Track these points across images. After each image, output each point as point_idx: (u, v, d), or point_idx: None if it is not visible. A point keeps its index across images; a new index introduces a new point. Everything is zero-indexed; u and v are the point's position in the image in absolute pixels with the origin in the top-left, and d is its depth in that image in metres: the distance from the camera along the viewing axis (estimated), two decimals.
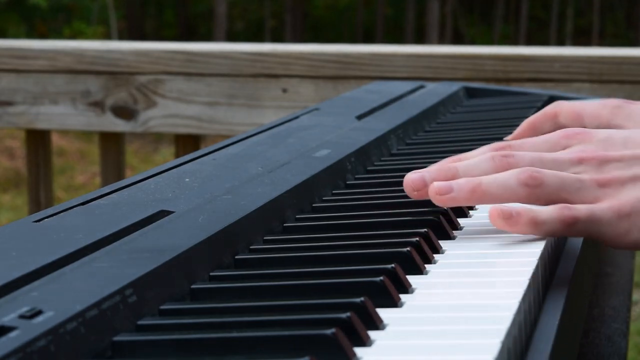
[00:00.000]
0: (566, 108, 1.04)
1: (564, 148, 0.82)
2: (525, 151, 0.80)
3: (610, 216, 0.73)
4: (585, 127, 1.02)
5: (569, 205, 0.73)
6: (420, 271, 0.66)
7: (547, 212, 0.72)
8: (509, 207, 0.72)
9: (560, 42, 17.12)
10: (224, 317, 0.57)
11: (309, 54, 1.96)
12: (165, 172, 0.85)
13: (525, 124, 1.07)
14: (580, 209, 0.72)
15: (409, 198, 0.80)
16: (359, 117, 1.17)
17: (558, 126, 1.05)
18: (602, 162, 0.78)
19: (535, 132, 1.00)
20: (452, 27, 17.54)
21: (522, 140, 0.84)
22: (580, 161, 0.78)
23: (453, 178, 0.78)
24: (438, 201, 0.76)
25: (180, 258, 0.63)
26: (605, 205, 0.73)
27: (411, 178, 0.79)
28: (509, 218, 0.72)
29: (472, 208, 0.84)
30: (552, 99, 1.41)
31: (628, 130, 0.82)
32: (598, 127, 1.00)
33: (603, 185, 0.76)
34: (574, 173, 0.77)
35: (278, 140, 1.00)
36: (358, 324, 0.53)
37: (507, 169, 0.77)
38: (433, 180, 0.78)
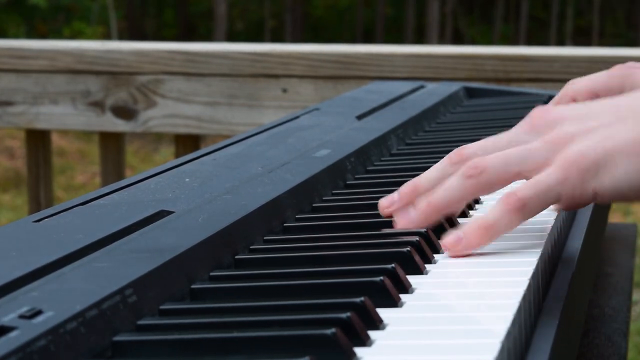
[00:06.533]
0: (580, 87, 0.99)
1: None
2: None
3: (557, 175, 0.66)
4: None
5: (512, 190, 0.67)
6: (420, 271, 0.66)
7: (492, 210, 0.68)
8: (455, 232, 0.68)
9: (560, 42, 17.12)
10: (224, 317, 0.57)
11: (309, 54, 1.96)
12: (165, 172, 0.85)
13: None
14: (524, 186, 0.67)
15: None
16: (359, 117, 1.17)
17: None
18: (555, 121, 0.70)
19: None
20: (452, 27, 17.55)
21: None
22: (531, 128, 0.71)
23: (417, 192, 0.75)
24: (401, 225, 0.73)
25: (180, 258, 0.63)
26: (551, 168, 0.67)
27: (381, 201, 0.76)
28: (459, 241, 0.68)
29: (472, 207, 0.84)
30: (551, 99, 1.41)
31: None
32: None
33: (551, 142, 0.68)
34: (526, 142, 0.70)
35: (278, 140, 1.00)
36: (358, 324, 0.53)
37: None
38: (400, 197, 0.75)
